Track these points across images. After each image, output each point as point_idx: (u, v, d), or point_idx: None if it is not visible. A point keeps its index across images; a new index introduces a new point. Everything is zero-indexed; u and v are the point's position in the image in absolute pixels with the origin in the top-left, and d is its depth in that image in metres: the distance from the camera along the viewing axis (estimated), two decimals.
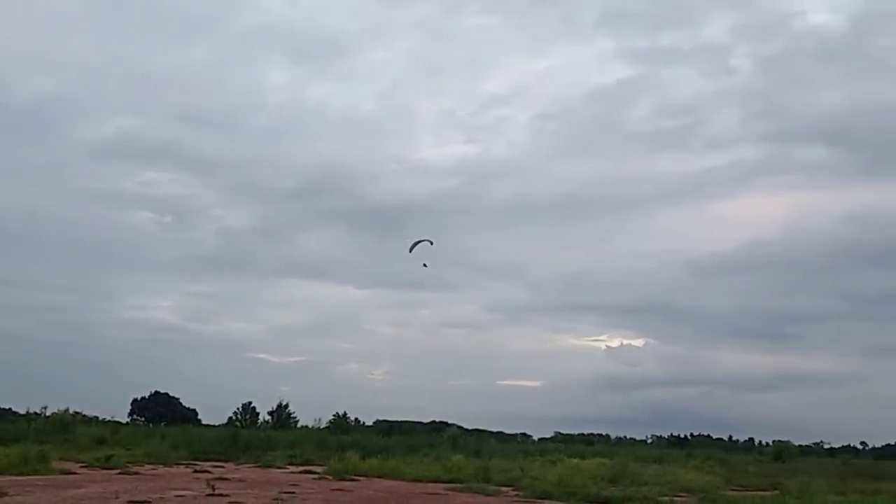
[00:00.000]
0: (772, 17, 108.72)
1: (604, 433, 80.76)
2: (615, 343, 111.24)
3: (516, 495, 21.11)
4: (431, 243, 35.82)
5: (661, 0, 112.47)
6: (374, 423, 68.57)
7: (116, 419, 52.32)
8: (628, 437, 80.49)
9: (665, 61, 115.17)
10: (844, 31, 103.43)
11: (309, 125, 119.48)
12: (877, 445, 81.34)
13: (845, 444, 79.40)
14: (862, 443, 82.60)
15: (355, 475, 25.15)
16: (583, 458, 38.03)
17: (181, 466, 27.23)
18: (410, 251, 35.37)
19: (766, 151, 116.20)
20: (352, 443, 36.60)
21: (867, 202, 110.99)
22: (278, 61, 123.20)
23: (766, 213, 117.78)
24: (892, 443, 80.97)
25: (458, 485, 23.12)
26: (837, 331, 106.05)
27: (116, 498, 16.22)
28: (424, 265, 37.46)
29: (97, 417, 49.26)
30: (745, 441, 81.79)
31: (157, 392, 67.87)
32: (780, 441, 62.25)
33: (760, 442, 76.84)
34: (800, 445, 65.64)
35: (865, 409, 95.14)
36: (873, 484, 27.08)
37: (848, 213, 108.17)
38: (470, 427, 68.10)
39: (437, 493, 20.75)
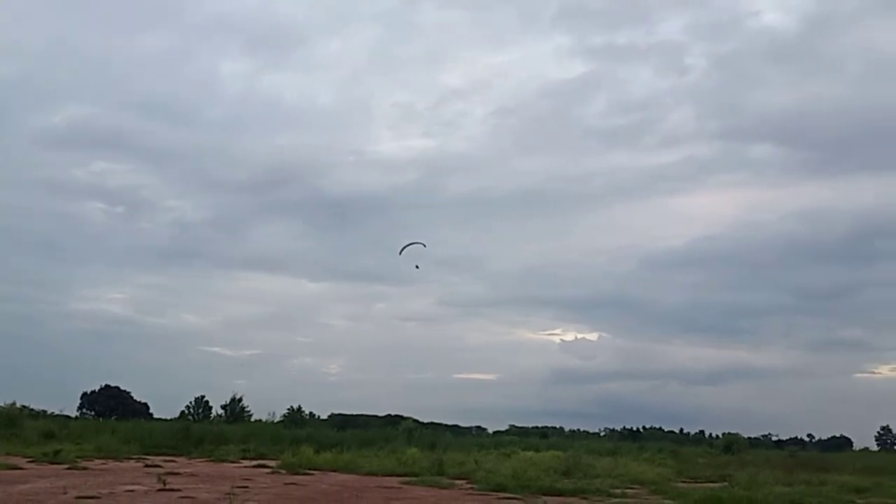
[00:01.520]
0: (726, 17, 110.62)
1: (558, 426, 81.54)
2: (570, 337, 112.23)
3: (470, 488, 21.17)
4: (424, 246, 36.14)
5: None
6: (329, 416, 68.34)
7: (65, 413, 51.61)
8: (582, 430, 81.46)
9: (621, 58, 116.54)
10: (796, 32, 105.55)
11: (265, 116, 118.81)
12: (823, 438, 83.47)
13: (793, 436, 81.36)
14: (809, 435, 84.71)
15: (309, 469, 25.03)
16: (537, 450, 38.32)
17: (132, 461, 26.84)
18: (401, 253, 35.63)
19: (718, 149, 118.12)
20: (306, 437, 36.46)
21: (815, 200, 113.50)
22: (234, 51, 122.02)
23: (717, 209, 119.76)
24: (838, 435, 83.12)
25: (413, 478, 23.13)
26: (786, 325, 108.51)
27: (65, 493, 15.92)
28: (417, 267, 38.04)
29: (45, 411, 48.57)
30: (696, 433, 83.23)
31: (107, 385, 66.89)
32: (729, 433, 63.35)
33: (711, 434, 78.23)
34: (749, 438, 66.93)
35: (812, 402, 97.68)
36: (819, 475, 27.64)
37: (797, 211, 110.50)
38: (425, 420, 68.46)
39: (391, 487, 20.73)
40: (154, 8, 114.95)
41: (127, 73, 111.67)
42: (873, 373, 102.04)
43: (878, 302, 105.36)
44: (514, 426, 79.77)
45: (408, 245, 35.94)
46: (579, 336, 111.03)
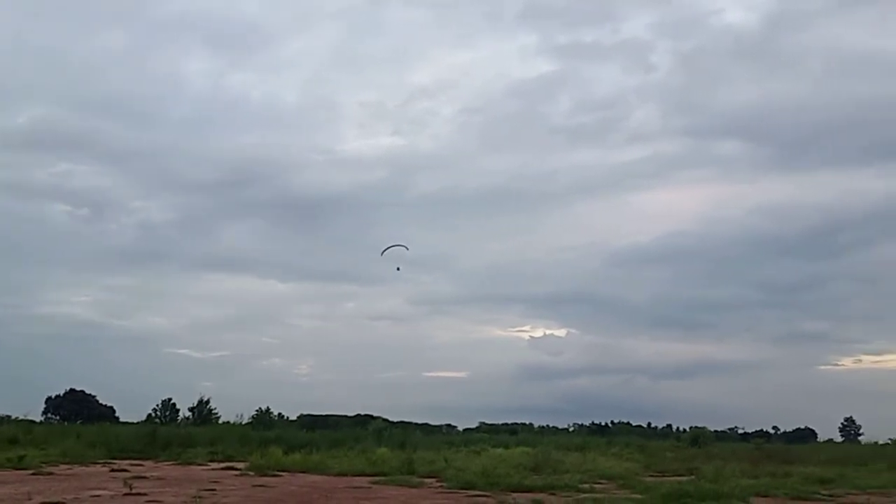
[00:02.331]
0: (690, 15, 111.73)
1: (527, 423, 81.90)
2: (538, 333, 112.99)
3: (440, 487, 21.19)
4: (407, 248, 36.28)
5: None
6: (299, 417, 68.05)
7: (29, 418, 50.71)
8: (551, 425, 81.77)
9: (586, 57, 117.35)
10: (758, 30, 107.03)
11: (230, 116, 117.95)
12: (788, 430, 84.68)
13: (758, 428, 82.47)
14: (774, 427, 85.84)
15: (278, 471, 24.86)
16: (506, 447, 38.47)
17: (98, 466, 26.49)
18: (382, 254, 35.77)
19: (683, 146, 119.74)
20: (275, 438, 36.23)
21: (780, 195, 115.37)
22: (198, 50, 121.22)
23: (683, 205, 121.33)
24: (803, 427, 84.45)
25: (383, 478, 23.10)
26: (751, 319, 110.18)
27: (29, 499, 15.67)
28: (398, 269, 38.14)
29: (9, 416, 47.68)
30: (664, 427, 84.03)
31: (72, 390, 66.20)
32: (696, 427, 64.01)
33: (678, 428, 79.07)
34: (715, 431, 67.82)
35: (777, 394, 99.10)
36: (784, 467, 28.03)
37: (761, 206, 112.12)
38: (395, 419, 68.53)
39: (361, 487, 20.68)
40: (116, 5, 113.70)
41: (89, 72, 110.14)
42: (836, 365, 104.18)
43: (840, 295, 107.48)
44: (483, 423, 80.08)
45: (390, 247, 36.12)
46: (548, 332, 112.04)
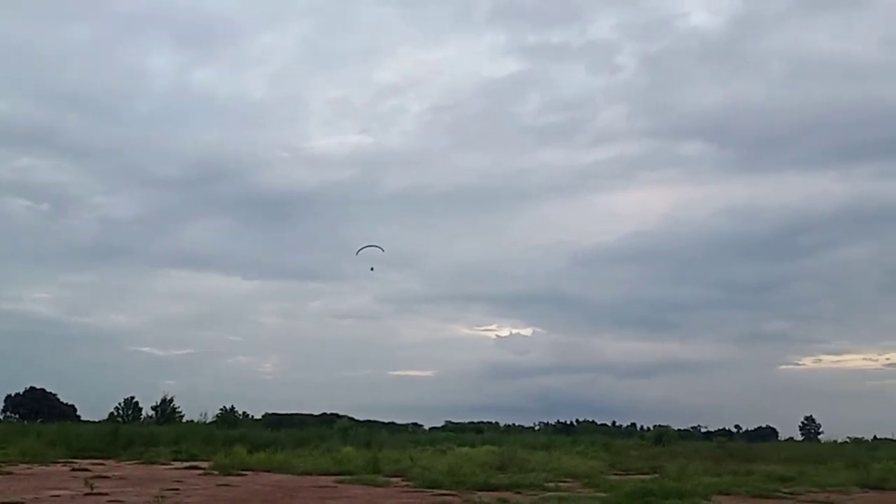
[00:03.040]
0: (656, 17, 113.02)
1: (493, 421, 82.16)
2: (505, 332, 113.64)
3: (406, 486, 21.17)
4: (383, 250, 36.46)
5: None
6: (264, 416, 67.74)
7: None
8: (517, 424, 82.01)
9: (554, 57, 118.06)
10: (723, 33, 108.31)
11: (196, 111, 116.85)
12: (750, 428, 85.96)
13: (721, 427, 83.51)
14: (736, 426, 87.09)
15: (243, 470, 24.69)
16: (472, 446, 38.47)
17: (58, 465, 26.11)
18: (357, 254, 35.95)
19: (649, 146, 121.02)
20: (239, 437, 35.96)
21: (743, 196, 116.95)
22: (163, 45, 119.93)
23: (648, 205, 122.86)
24: (764, 426, 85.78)
25: (348, 477, 23.02)
26: (714, 319, 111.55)
27: None
28: (371, 269, 38.29)
29: None
30: (628, 426, 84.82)
31: (32, 388, 65.26)
32: (660, 426, 64.72)
33: (642, 427, 79.86)
34: (679, 430, 68.48)
35: (739, 394, 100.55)
36: (746, 465, 28.41)
37: (725, 207, 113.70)
38: (361, 418, 68.33)
39: (326, 486, 20.59)
40: (79, 0, 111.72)
41: (51, 66, 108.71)
42: (797, 364, 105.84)
43: (802, 296, 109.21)
44: (450, 422, 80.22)
45: (365, 247, 36.30)
46: (514, 331, 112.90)
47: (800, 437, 79.83)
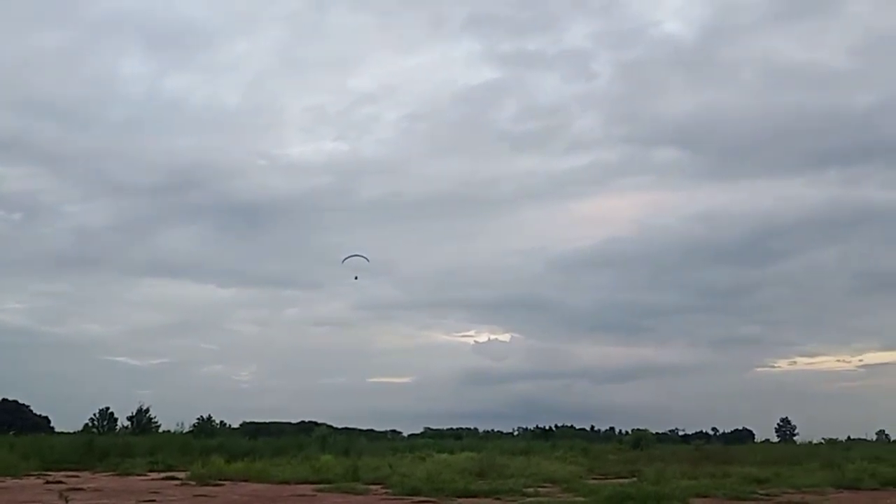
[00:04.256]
0: (630, 26, 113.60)
1: (472, 427, 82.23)
2: (483, 338, 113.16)
3: (385, 493, 21.13)
4: (367, 260, 36.73)
5: (525, 5, 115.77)
6: (241, 425, 67.30)
7: None
8: (496, 430, 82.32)
9: (530, 65, 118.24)
10: (696, 41, 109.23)
11: (169, 118, 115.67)
12: (726, 431, 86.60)
13: (698, 430, 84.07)
14: (713, 429, 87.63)
15: (220, 480, 24.48)
16: (451, 453, 38.51)
17: (31, 478, 25.72)
18: (343, 262, 36.22)
19: (623, 153, 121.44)
20: (217, 446, 35.69)
21: (714, 203, 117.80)
22: (135, 51, 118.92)
23: (622, 211, 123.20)
24: (741, 428, 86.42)
25: (327, 485, 22.92)
26: (688, 323, 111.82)
27: None
28: (356, 277, 38.50)
29: None
30: (606, 430, 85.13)
31: (4, 399, 64.38)
32: (638, 429, 64.97)
33: (620, 431, 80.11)
34: (656, 433, 68.76)
35: (715, 397, 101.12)
36: (723, 467, 28.59)
37: (698, 213, 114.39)
38: (340, 426, 67.95)
39: (304, 495, 20.51)
40: (49, 5, 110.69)
41: (20, 72, 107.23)
42: (772, 367, 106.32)
43: (773, 300, 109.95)
44: (429, 429, 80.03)
45: (350, 256, 36.63)
46: (492, 337, 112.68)
47: (776, 439, 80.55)
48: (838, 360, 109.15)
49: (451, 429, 79.70)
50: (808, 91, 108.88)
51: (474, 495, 19.94)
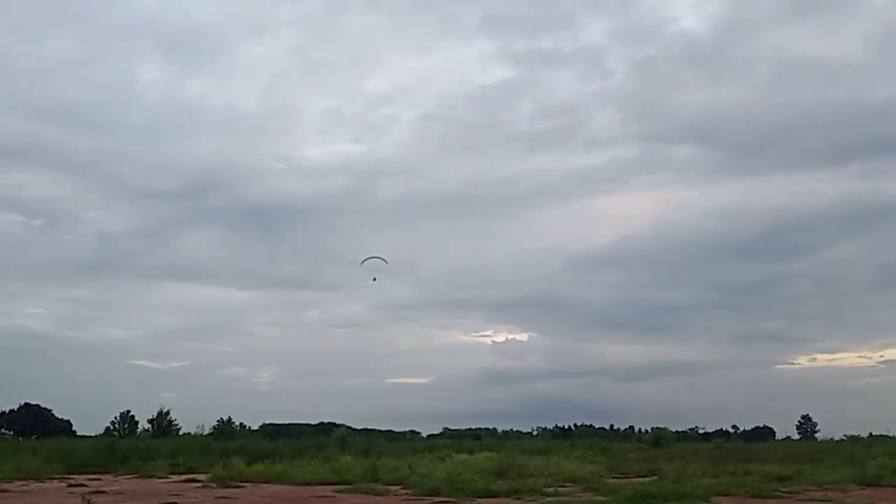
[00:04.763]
0: (646, 23, 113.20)
1: (491, 427, 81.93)
2: (500, 338, 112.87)
3: (405, 494, 21.14)
4: (386, 262, 37.10)
5: (539, 4, 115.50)
6: (261, 427, 67.46)
7: None
8: (515, 430, 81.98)
9: (545, 63, 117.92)
10: (711, 37, 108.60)
11: (187, 123, 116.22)
12: (747, 428, 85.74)
13: (718, 428, 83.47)
14: (733, 426, 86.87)
15: (241, 482, 24.59)
16: (471, 453, 38.49)
17: (55, 481, 25.92)
18: (362, 263, 36.63)
19: (640, 150, 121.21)
20: (237, 448, 35.87)
21: (732, 198, 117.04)
22: (152, 57, 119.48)
23: (639, 209, 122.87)
24: (761, 425, 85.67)
25: (347, 486, 22.98)
26: (708, 320, 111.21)
27: None
28: (374, 279, 38.99)
29: None
30: (626, 429, 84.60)
31: (27, 404, 64.90)
32: (658, 428, 64.70)
33: (640, 429, 79.63)
34: (676, 431, 68.38)
35: (736, 394, 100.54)
36: (744, 465, 28.42)
37: (715, 209, 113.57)
38: (359, 427, 68.15)
39: (325, 496, 20.57)
40: (65, 12, 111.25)
41: (39, 80, 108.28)
42: (792, 363, 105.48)
43: (795, 295, 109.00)
44: (447, 429, 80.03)
45: (369, 258, 36.99)
46: (510, 337, 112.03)
47: (797, 436, 79.80)
48: (859, 356, 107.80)
49: (470, 429, 79.63)
50: (825, 85, 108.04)
51: (494, 495, 19.93)
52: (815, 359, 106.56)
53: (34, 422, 63.40)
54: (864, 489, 21.69)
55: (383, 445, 45.99)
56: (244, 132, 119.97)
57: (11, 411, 64.36)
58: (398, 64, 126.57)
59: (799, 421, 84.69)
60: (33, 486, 24.07)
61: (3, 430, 63.38)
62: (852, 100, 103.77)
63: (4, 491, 21.92)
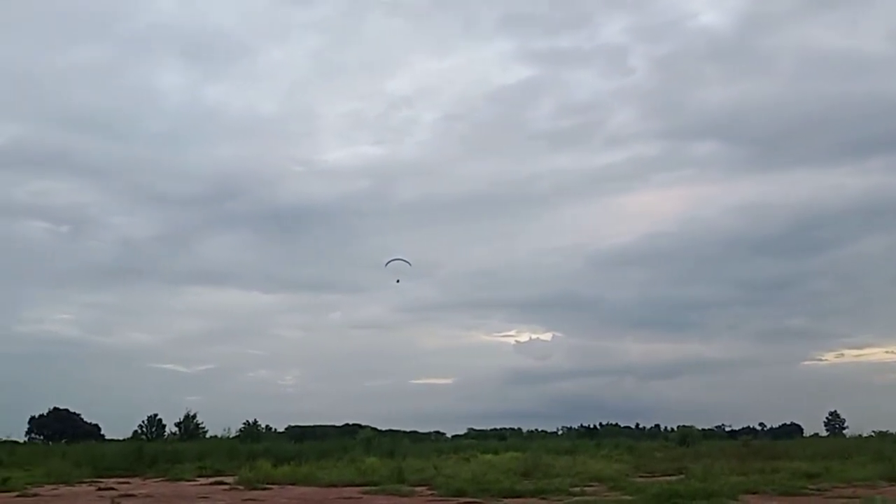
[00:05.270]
0: (665, 19, 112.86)
1: (516, 427, 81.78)
2: (524, 338, 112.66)
3: (431, 494, 21.18)
4: (409, 264, 37.39)
5: (559, 3, 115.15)
6: (286, 429, 67.77)
7: (13, 439, 50.16)
8: (540, 430, 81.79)
9: (565, 62, 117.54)
10: (732, 32, 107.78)
11: (208, 128, 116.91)
12: (774, 426, 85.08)
13: (745, 425, 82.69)
14: (760, 424, 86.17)
15: (268, 483, 24.71)
16: (496, 453, 38.49)
17: (84, 485, 26.19)
18: (386, 265, 36.98)
19: (661, 147, 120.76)
20: (263, 451, 36.04)
21: (755, 194, 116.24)
22: (172, 63, 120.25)
23: (662, 206, 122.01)
24: (788, 423, 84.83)
25: (373, 487, 23.04)
26: (733, 317, 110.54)
27: None
28: (398, 281, 39.28)
29: None
30: (652, 428, 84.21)
31: (56, 408, 65.60)
32: (684, 426, 64.32)
33: (666, 428, 79.27)
34: (703, 429, 67.97)
35: (762, 391, 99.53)
36: (772, 463, 28.22)
37: (738, 205, 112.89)
38: (383, 428, 68.24)
39: (351, 497, 20.64)
40: (84, 21, 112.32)
41: (62, 88, 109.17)
42: (819, 360, 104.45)
43: (820, 291, 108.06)
44: (472, 429, 79.99)
45: (393, 260, 37.30)
46: (533, 336, 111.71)
47: (825, 433, 78.92)
48: (887, 352, 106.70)
49: (495, 429, 79.57)
50: (847, 79, 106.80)
51: (520, 495, 19.91)
52: (842, 354, 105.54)
53: (63, 426, 64.07)
54: (893, 486, 21.44)
55: (408, 446, 46.02)
56: (265, 136, 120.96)
57: (41, 416, 65.08)
58: (418, 65, 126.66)
59: (827, 418, 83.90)
60: (63, 490, 24.36)
61: (33, 435, 64.07)
62: (875, 93, 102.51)
63: (36, 495, 22.23)
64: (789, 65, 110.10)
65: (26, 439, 60.69)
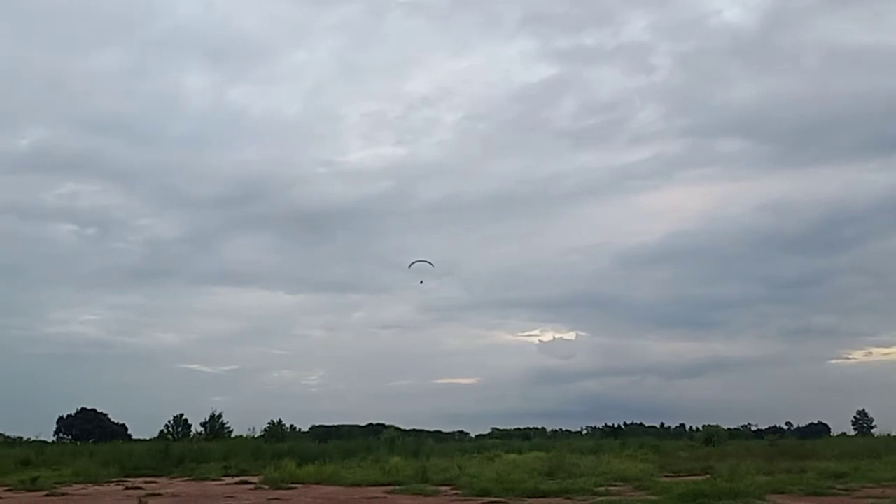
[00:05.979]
0: (689, 16, 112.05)
1: (540, 427, 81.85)
2: (548, 337, 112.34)
3: (455, 494, 21.15)
4: (433, 265, 37.65)
5: (581, 1, 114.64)
6: (311, 429, 68.20)
7: (41, 439, 51.03)
8: (564, 429, 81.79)
9: (588, 60, 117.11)
10: (755, 28, 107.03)
11: (232, 130, 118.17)
12: (801, 425, 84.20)
13: (771, 425, 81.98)
14: (787, 423, 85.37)
15: (293, 483, 24.78)
16: (520, 453, 38.41)
17: (112, 484, 26.44)
18: (409, 267, 37.26)
19: (686, 145, 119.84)
20: (288, 450, 36.16)
21: (781, 191, 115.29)
22: (196, 66, 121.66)
23: (687, 204, 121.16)
24: (816, 422, 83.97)
25: (397, 487, 23.04)
26: (759, 316, 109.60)
27: None
28: (421, 282, 39.55)
29: (21, 438, 47.84)
30: (677, 427, 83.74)
31: (83, 408, 66.27)
32: (709, 425, 63.75)
33: (691, 427, 78.77)
34: (728, 429, 67.41)
35: (789, 390, 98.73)
36: (799, 462, 27.93)
37: (764, 202, 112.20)
38: (407, 428, 68.53)
39: (376, 497, 20.65)
40: (108, 25, 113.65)
41: (88, 92, 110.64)
42: (847, 358, 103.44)
43: (847, 288, 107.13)
44: (496, 429, 79.94)
45: (416, 262, 37.55)
46: (557, 336, 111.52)
47: (853, 432, 77.98)
48: None
49: (519, 429, 79.54)
50: (874, 74, 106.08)
51: (545, 495, 19.83)
52: (870, 353, 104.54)
53: (91, 426, 64.79)
54: None
55: (432, 446, 46.08)
56: (288, 138, 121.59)
57: (69, 416, 65.79)
58: (440, 65, 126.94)
59: (855, 417, 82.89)
60: (91, 489, 24.59)
61: (61, 435, 64.78)
62: None
63: (64, 494, 22.44)
64: (814, 60, 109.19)
65: (55, 439, 61.48)
